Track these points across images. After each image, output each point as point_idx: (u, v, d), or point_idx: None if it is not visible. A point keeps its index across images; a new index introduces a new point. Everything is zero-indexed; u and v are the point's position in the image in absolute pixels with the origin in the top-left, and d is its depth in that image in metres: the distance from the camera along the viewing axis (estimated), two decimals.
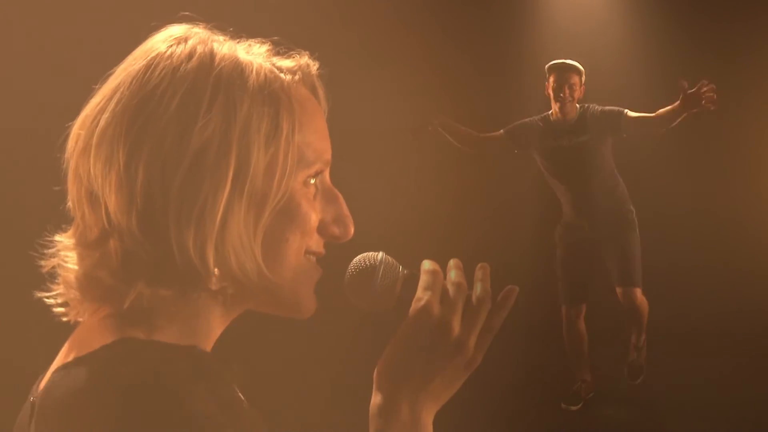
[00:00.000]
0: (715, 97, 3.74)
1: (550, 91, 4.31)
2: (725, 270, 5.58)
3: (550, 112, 4.40)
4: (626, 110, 4.21)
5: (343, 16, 5.42)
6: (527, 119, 4.45)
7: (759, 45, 5.61)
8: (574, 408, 4.42)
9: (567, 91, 4.23)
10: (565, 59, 4.28)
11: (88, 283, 0.72)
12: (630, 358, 4.54)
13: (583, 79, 4.30)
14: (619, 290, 4.33)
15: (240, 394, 0.73)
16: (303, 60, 0.80)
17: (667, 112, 3.99)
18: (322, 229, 0.79)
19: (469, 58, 5.83)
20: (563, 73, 4.24)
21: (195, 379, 0.66)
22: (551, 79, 4.29)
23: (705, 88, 3.76)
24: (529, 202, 5.72)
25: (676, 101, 3.91)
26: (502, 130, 4.48)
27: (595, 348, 4.60)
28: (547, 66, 4.32)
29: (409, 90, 5.50)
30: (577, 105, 4.31)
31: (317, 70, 0.81)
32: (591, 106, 4.32)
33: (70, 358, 0.70)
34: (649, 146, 5.17)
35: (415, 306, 0.81)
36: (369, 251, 0.86)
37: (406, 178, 5.68)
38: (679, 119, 3.95)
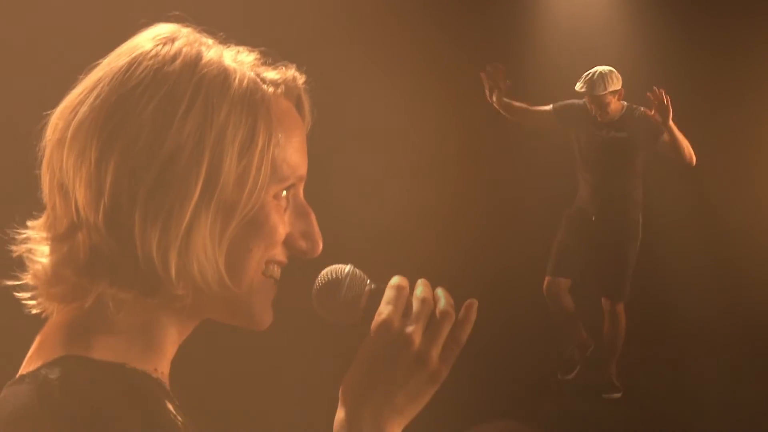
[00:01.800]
0: (661, 99, 3.97)
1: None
2: (725, 270, 5.57)
3: None
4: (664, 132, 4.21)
5: (343, 17, 5.43)
6: (576, 100, 4.45)
7: (759, 44, 5.61)
8: (569, 377, 4.55)
9: (597, 110, 4.27)
10: (598, 73, 4.22)
11: (54, 278, 0.72)
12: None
13: (620, 87, 4.26)
14: (604, 300, 4.46)
15: (174, 412, 0.72)
16: (289, 72, 0.79)
17: (670, 140, 4.11)
18: (289, 242, 0.78)
19: (469, 58, 5.82)
20: (594, 97, 4.25)
21: (125, 402, 0.66)
22: (587, 97, 4.31)
23: (656, 98, 3.97)
24: (529, 202, 5.72)
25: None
26: (551, 105, 4.52)
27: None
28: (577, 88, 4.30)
29: (409, 90, 5.51)
30: (624, 103, 4.33)
31: (303, 83, 0.80)
32: (636, 107, 4.32)
33: (31, 366, 0.70)
34: None
35: (376, 320, 0.80)
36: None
37: (406, 178, 5.69)
38: (677, 135, 4.08)
